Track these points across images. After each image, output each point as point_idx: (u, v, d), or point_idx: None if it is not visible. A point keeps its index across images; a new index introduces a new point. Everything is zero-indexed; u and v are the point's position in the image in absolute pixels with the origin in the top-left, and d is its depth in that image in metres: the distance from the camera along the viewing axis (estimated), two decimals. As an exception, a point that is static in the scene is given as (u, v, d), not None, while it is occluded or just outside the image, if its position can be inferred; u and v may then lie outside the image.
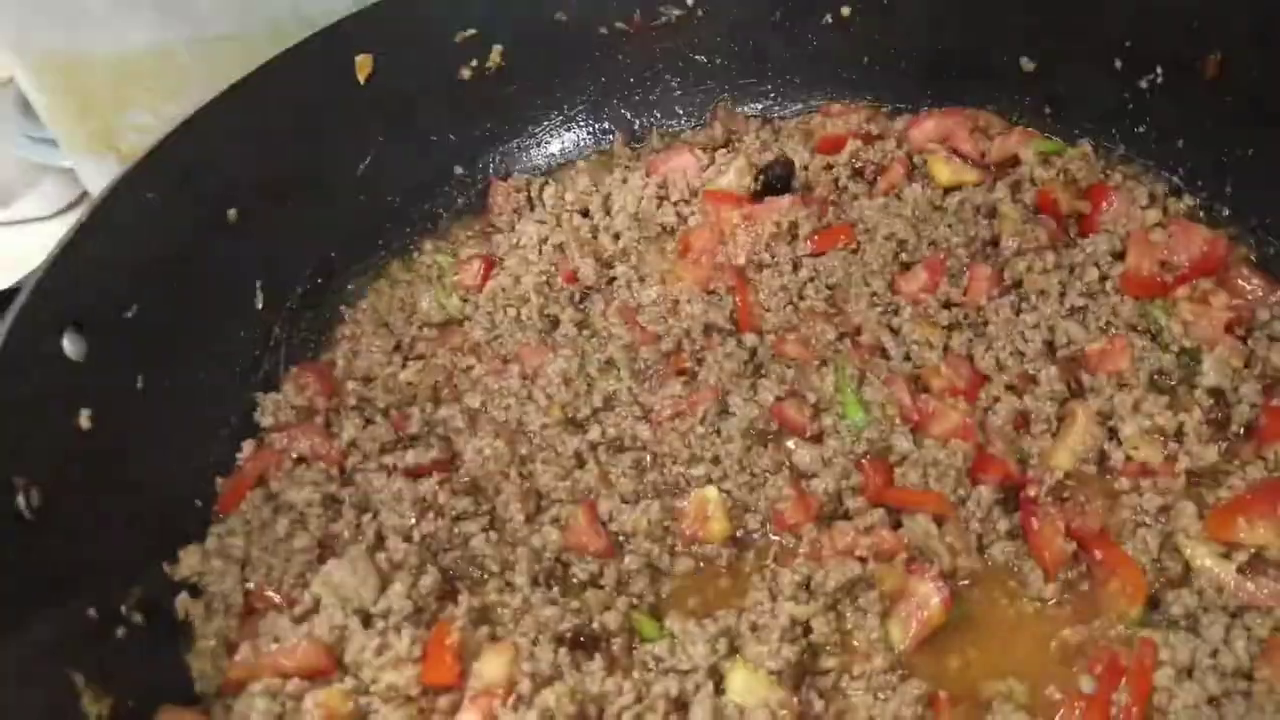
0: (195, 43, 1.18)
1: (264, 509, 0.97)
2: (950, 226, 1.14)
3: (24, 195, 1.88)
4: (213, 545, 0.94)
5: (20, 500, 0.77)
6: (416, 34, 1.16)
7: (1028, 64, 1.23)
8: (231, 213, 1.05)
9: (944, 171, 1.22)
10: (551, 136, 1.32)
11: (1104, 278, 1.08)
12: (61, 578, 0.79)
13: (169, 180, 0.98)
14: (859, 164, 1.22)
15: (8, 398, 0.78)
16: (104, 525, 0.85)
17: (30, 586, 0.75)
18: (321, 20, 1.11)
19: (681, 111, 1.34)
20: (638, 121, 1.34)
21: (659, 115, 1.34)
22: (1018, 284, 1.08)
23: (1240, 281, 1.07)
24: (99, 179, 1.47)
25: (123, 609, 0.84)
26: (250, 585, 0.92)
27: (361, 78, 1.13)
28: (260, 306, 1.11)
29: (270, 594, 0.91)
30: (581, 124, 1.33)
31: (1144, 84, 1.15)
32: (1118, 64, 1.16)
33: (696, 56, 1.30)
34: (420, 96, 1.19)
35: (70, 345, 0.87)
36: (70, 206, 1.88)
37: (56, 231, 1.80)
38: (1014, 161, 1.21)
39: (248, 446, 1.03)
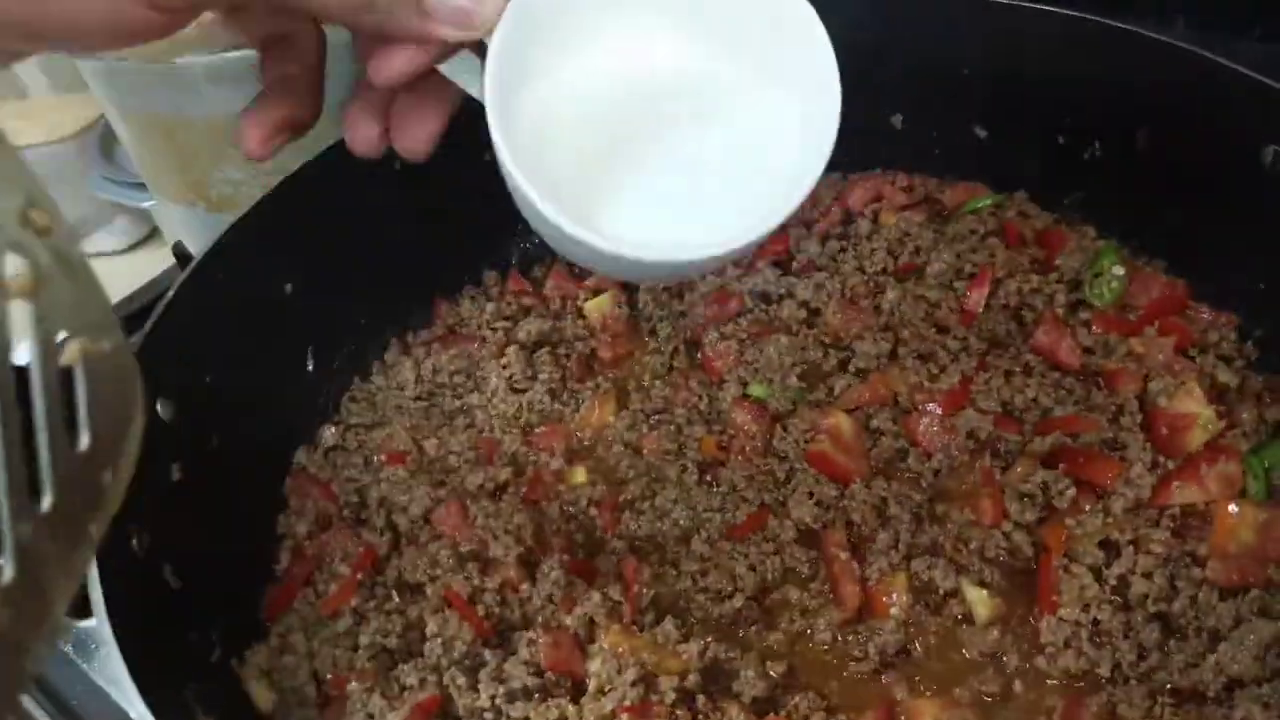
0: None
1: (318, 606, 1.06)
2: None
3: (97, 232, 2.04)
4: (275, 644, 1.03)
5: (134, 543, 0.90)
6: (464, 112, 1.30)
7: (980, 132, 1.39)
8: (288, 288, 1.19)
9: (892, 218, 1.37)
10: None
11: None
12: (169, 609, 0.92)
13: (238, 262, 1.11)
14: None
15: (123, 456, 0.92)
16: (200, 562, 0.99)
17: (145, 609, 0.87)
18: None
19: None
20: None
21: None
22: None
23: (1188, 311, 1.21)
24: (178, 223, 1.62)
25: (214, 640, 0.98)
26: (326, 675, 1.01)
27: (399, 162, 1.28)
28: (311, 369, 1.26)
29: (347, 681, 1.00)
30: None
31: (1085, 156, 1.31)
32: (1060, 139, 1.31)
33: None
34: (457, 174, 1.34)
35: (162, 409, 1.01)
36: (141, 242, 2.03)
37: (128, 265, 1.97)
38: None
39: (284, 557, 1.12)
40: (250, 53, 1.23)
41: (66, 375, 0.55)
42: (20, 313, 0.52)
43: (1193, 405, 1.08)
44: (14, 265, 0.52)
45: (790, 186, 0.72)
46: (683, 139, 0.76)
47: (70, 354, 0.56)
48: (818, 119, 0.75)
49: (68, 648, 1.28)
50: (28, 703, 1.21)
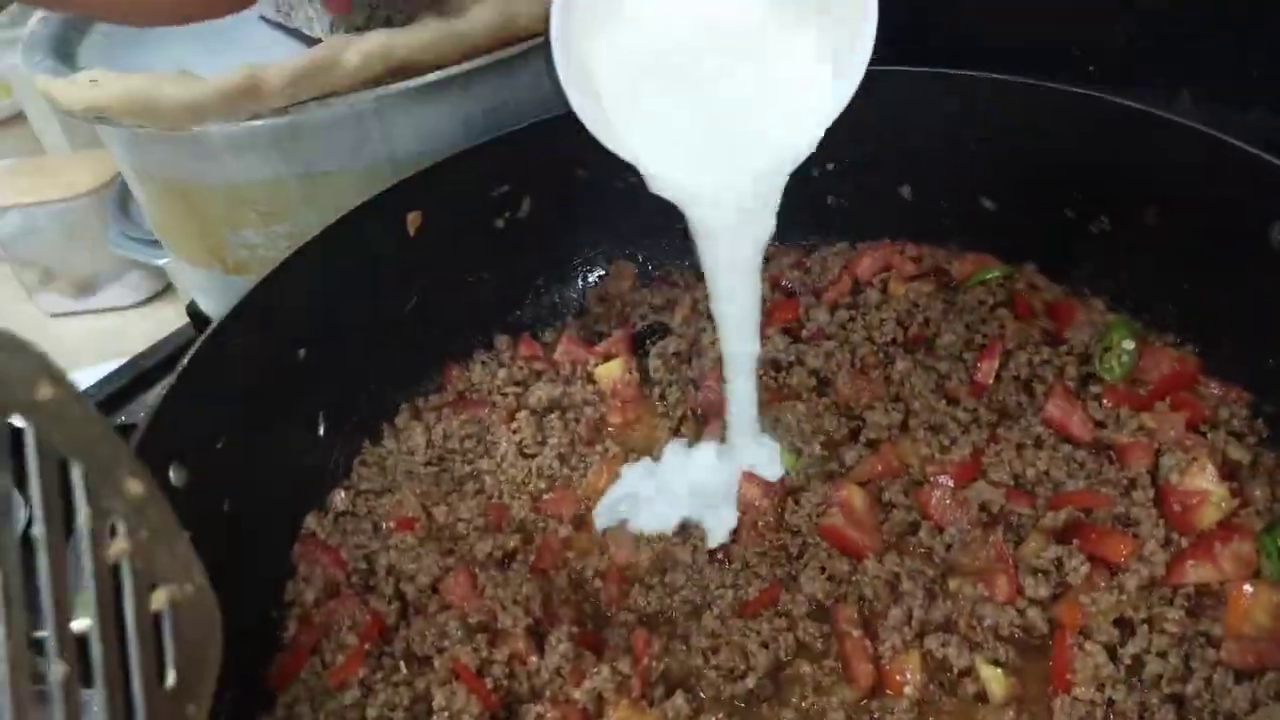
0: (304, 178, 1.33)
1: (325, 676, 1.05)
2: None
3: (111, 286, 2.06)
4: (282, 715, 1.02)
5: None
6: (459, 191, 1.32)
7: (989, 204, 1.40)
8: (301, 353, 1.20)
9: (901, 288, 1.38)
10: (575, 276, 1.50)
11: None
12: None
13: (252, 329, 1.12)
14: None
15: (134, 524, 0.91)
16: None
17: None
18: (409, 160, 1.29)
19: (686, 253, 1.50)
20: (650, 264, 1.52)
21: (669, 257, 1.52)
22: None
23: (1199, 387, 1.21)
24: (193, 284, 1.64)
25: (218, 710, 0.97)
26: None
27: (412, 230, 1.30)
28: (322, 434, 1.26)
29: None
30: (602, 266, 1.50)
31: (1094, 229, 1.32)
32: (1069, 213, 1.33)
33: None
34: (460, 244, 1.36)
35: (175, 475, 1.00)
36: (153, 298, 2.05)
37: (140, 320, 1.99)
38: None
39: (292, 625, 1.11)
40: (269, 122, 1.26)
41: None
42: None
43: (1205, 483, 1.08)
44: (118, 545, 0.61)
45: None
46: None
47: (159, 600, 0.64)
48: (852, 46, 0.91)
49: None
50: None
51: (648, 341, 1.41)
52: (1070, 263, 1.36)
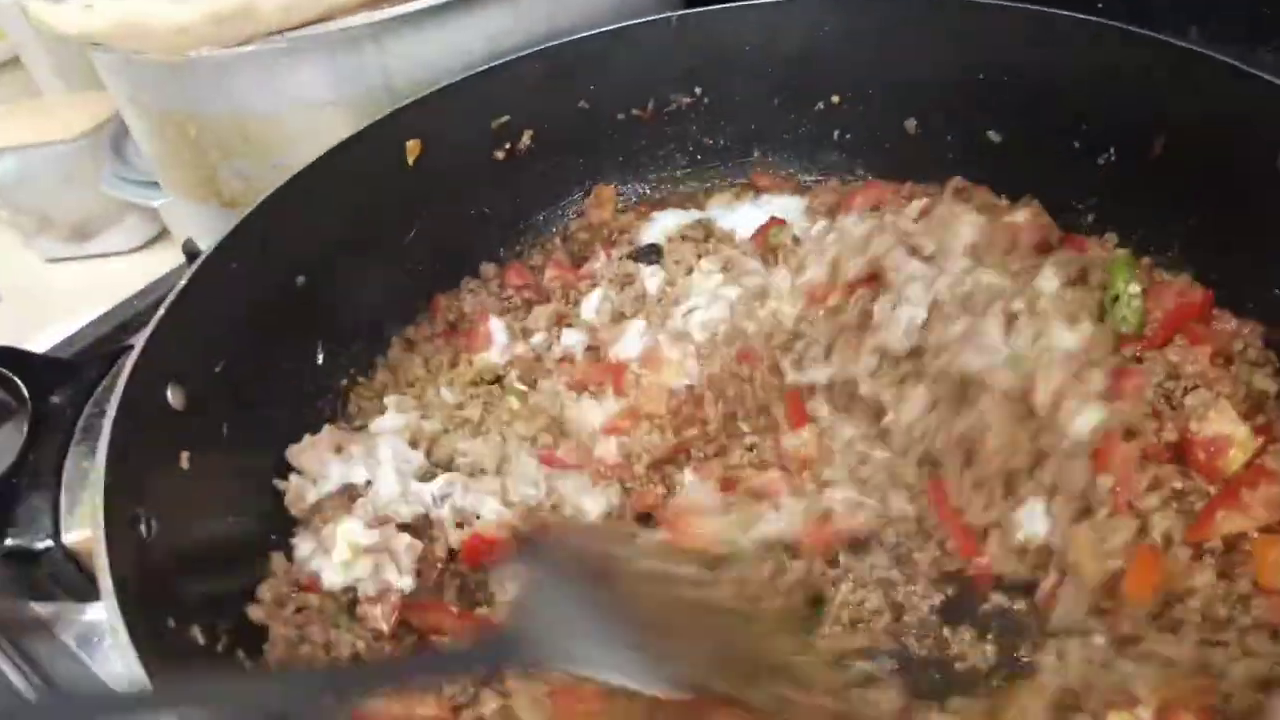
0: (300, 107, 1.31)
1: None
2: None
3: (107, 231, 2.04)
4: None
5: (143, 528, 0.89)
6: (458, 121, 1.31)
7: (995, 136, 1.38)
8: (300, 279, 1.19)
9: None
10: (574, 210, 1.49)
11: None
12: (174, 594, 0.91)
13: (250, 253, 1.11)
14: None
15: (132, 440, 0.90)
16: (202, 548, 0.98)
17: (152, 596, 0.86)
18: (406, 91, 1.27)
19: (688, 186, 1.50)
20: (661, 194, 1.51)
21: (670, 189, 1.50)
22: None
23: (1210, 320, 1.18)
24: (189, 218, 1.62)
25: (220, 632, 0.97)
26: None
27: (411, 160, 1.28)
28: (321, 362, 1.25)
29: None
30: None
31: (1100, 161, 1.30)
32: (1076, 144, 1.31)
33: (704, 139, 1.46)
34: (460, 175, 1.35)
35: (173, 396, 1.00)
36: (149, 243, 2.03)
37: (136, 265, 1.99)
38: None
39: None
40: (262, 47, 1.24)
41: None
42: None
43: (1226, 425, 1.05)
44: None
45: None
46: None
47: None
48: None
49: (70, 640, 1.28)
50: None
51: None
52: (1076, 197, 1.34)
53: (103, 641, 1.28)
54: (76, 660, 1.26)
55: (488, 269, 1.42)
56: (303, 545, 1.08)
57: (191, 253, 1.72)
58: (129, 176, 1.85)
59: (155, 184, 1.80)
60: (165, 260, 1.98)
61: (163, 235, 2.08)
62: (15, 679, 1.22)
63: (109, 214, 2.02)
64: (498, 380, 1.28)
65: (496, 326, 1.30)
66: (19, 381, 0.96)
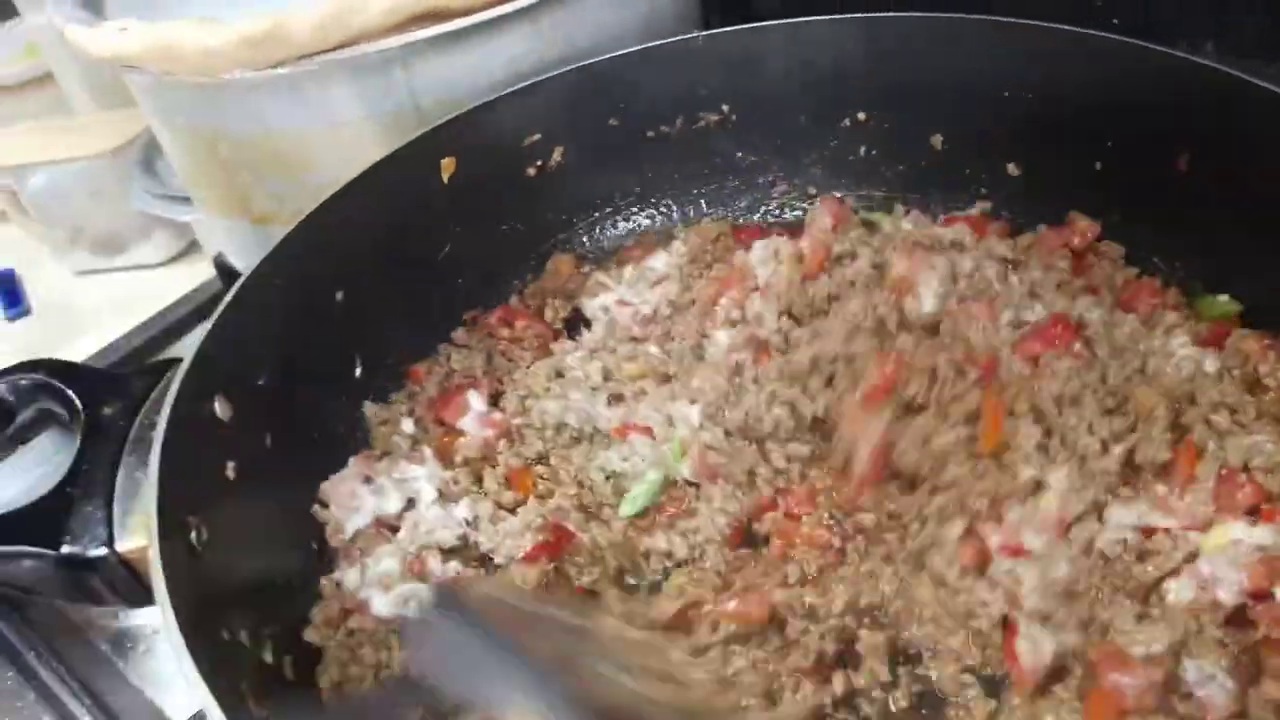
0: (328, 127, 1.33)
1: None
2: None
3: (136, 244, 2.07)
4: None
5: (194, 535, 0.92)
6: (491, 139, 1.33)
7: (1014, 169, 1.40)
8: (339, 295, 1.22)
9: None
10: (605, 225, 1.51)
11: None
12: (224, 603, 0.93)
13: (291, 270, 1.14)
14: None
15: (183, 450, 0.93)
16: (249, 557, 1.01)
17: (204, 603, 0.88)
18: (432, 110, 1.30)
19: (717, 202, 1.53)
20: (690, 210, 1.53)
21: (702, 206, 1.52)
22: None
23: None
24: (221, 235, 1.65)
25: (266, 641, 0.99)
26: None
27: (445, 177, 1.30)
28: (359, 375, 1.27)
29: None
30: (633, 214, 1.51)
31: (1123, 179, 1.30)
32: (1097, 165, 1.32)
33: (736, 154, 1.48)
34: (492, 192, 1.37)
35: (220, 408, 1.02)
36: (178, 257, 2.06)
37: (165, 278, 2.02)
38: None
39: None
40: (293, 70, 1.27)
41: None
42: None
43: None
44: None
45: None
46: None
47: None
48: None
49: (104, 647, 1.30)
50: (68, 699, 1.22)
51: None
52: (1096, 214, 1.36)
53: (137, 647, 1.30)
54: (111, 665, 1.29)
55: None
56: (348, 575, 1.09)
57: (222, 266, 1.75)
58: (159, 192, 1.88)
59: (184, 199, 1.83)
60: (194, 274, 2.01)
61: (191, 249, 2.10)
62: (51, 682, 1.25)
63: (138, 228, 2.05)
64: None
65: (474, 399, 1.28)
66: (71, 393, 0.98)
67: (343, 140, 1.35)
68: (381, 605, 1.05)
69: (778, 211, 1.53)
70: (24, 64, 2.58)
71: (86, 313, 2.01)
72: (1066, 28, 1.26)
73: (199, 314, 1.87)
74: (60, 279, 2.10)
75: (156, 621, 1.29)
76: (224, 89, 1.32)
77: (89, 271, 2.10)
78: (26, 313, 2.05)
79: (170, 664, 1.28)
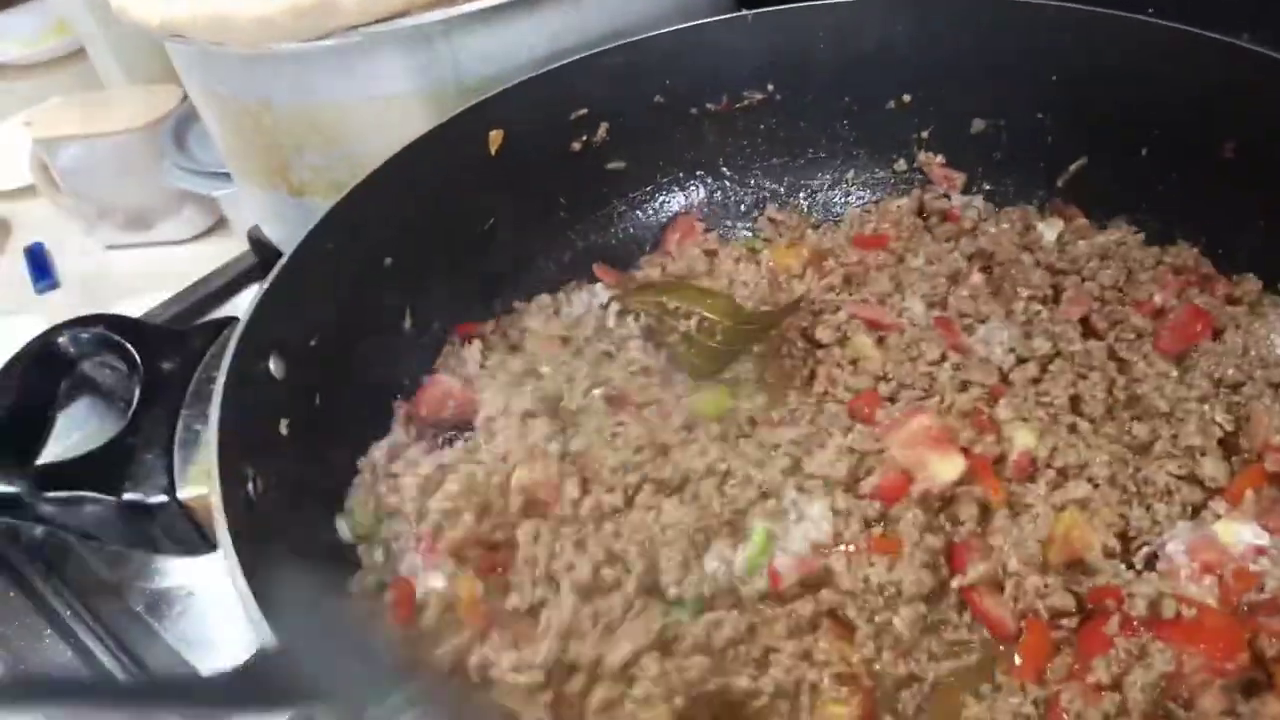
0: (372, 99, 1.34)
1: None
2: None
3: (165, 220, 2.08)
4: None
5: (250, 487, 0.92)
6: (539, 113, 1.33)
7: (1058, 137, 1.39)
8: (388, 260, 1.22)
9: None
10: (648, 201, 1.51)
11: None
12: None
13: (342, 235, 1.14)
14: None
15: (241, 405, 0.93)
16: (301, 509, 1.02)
17: (263, 551, 0.88)
18: (474, 84, 1.30)
19: (760, 181, 1.53)
20: (728, 189, 1.53)
21: (744, 184, 1.52)
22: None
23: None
24: (258, 206, 1.65)
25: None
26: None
27: (493, 149, 1.31)
28: (406, 333, 1.28)
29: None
30: (676, 191, 1.51)
31: (1168, 166, 1.31)
32: (1144, 152, 1.33)
33: (779, 132, 1.48)
34: (539, 166, 1.37)
35: (275, 366, 1.03)
36: (207, 232, 2.07)
37: (194, 253, 2.03)
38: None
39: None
40: (339, 41, 1.27)
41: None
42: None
43: None
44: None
45: None
46: None
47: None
48: None
49: (140, 608, 1.31)
50: (104, 657, 1.23)
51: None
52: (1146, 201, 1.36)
53: (172, 609, 1.31)
54: (147, 626, 1.29)
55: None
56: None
57: (257, 239, 1.75)
58: (189, 167, 1.89)
59: (215, 175, 1.84)
60: (222, 250, 2.02)
61: (218, 226, 2.11)
62: (89, 640, 1.25)
63: (168, 204, 2.06)
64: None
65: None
66: (131, 347, 0.99)
67: (385, 113, 1.35)
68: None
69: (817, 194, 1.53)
70: (54, 40, 2.60)
71: (115, 287, 2.02)
72: (1118, 13, 1.26)
73: (229, 288, 1.87)
74: (89, 253, 2.11)
75: (193, 583, 1.31)
76: (269, 60, 1.33)
77: (118, 246, 2.11)
78: (56, 286, 2.06)
79: (206, 626, 1.29)
